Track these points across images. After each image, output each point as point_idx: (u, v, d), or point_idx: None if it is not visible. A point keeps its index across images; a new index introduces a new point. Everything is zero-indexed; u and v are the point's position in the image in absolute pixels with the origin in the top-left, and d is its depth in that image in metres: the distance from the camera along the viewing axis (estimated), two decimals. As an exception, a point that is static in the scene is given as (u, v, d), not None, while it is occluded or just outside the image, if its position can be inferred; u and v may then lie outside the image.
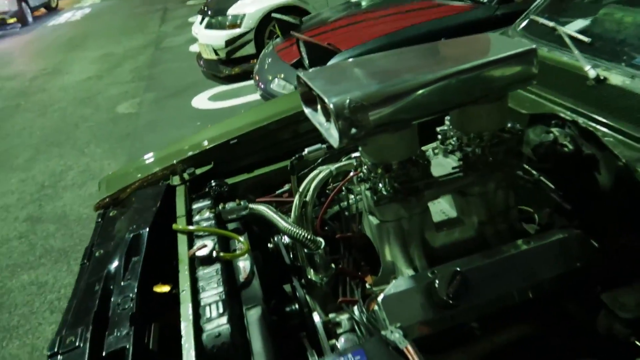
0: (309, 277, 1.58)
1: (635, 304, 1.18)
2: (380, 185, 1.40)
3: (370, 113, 1.18)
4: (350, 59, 1.84)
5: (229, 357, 1.16)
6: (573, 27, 1.99)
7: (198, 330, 1.21)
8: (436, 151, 1.62)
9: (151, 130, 5.53)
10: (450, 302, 1.20)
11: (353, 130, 1.18)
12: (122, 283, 1.48)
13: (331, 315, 1.45)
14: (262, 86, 4.49)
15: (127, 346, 1.24)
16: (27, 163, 5.21)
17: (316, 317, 1.42)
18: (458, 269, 1.25)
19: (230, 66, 6.55)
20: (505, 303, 1.29)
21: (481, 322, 1.31)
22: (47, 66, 9.49)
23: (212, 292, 1.32)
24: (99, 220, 1.98)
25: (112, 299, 1.42)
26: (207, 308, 1.27)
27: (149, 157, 2.31)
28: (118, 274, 1.53)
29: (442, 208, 1.63)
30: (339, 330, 1.42)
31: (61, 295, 3.13)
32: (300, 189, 1.68)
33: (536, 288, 1.30)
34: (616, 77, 1.61)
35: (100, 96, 7.16)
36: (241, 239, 1.54)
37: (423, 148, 1.62)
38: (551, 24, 2.04)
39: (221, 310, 1.25)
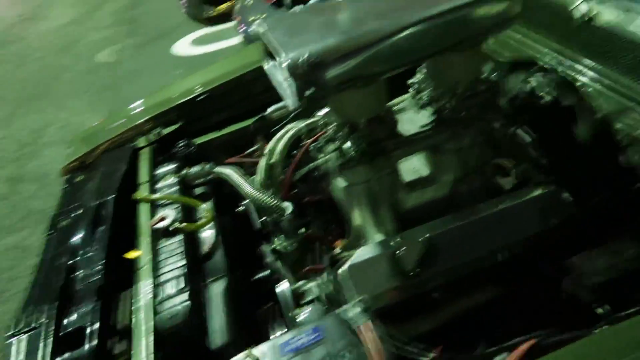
0: (277, 243, 1.52)
1: (602, 267, 1.13)
2: (347, 146, 1.31)
3: (329, 71, 1.07)
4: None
5: (185, 338, 1.12)
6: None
7: (155, 310, 1.17)
8: (408, 105, 1.52)
9: (132, 80, 5.33)
10: (416, 270, 1.16)
11: (310, 91, 1.07)
12: (88, 254, 1.44)
13: (299, 284, 1.41)
14: (244, 29, 4.24)
15: (87, 324, 1.20)
16: (7, 119, 5.06)
17: (284, 285, 1.38)
18: (427, 235, 1.20)
19: (214, 5, 6.18)
20: (475, 267, 1.24)
21: (448, 287, 1.26)
22: (25, 12, 9.04)
23: (172, 267, 1.27)
24: (66, 186, 1.91)
25: (78, 272, 1.38)
26: (167, 285, 1.23)
27: (119, 114, 2.20)
28: (84, 245, 1.48)
29: (414, 166, 1.55)
30: (309, 298, 1.38)
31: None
32: (267, 150, 1.60)
33: (509, 249, 1.25)
34: (609, 12, 1.47)
35: (79, 43, 6.86)
36: (205, 206, 1.47)
37: (393, 102, 1.52)
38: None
39: (181, 287, 1.21)
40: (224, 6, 6.17)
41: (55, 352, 1.14)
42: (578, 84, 1.29)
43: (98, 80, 5.52)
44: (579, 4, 1.44)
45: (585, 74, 1.31)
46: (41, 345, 1.15)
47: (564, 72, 1.33)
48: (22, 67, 6.44)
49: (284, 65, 1.05)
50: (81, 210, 1.62)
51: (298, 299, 1.38)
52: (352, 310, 1.00)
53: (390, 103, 1.54)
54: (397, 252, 1.18)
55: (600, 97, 1.22)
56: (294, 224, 1.48)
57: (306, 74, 1.05)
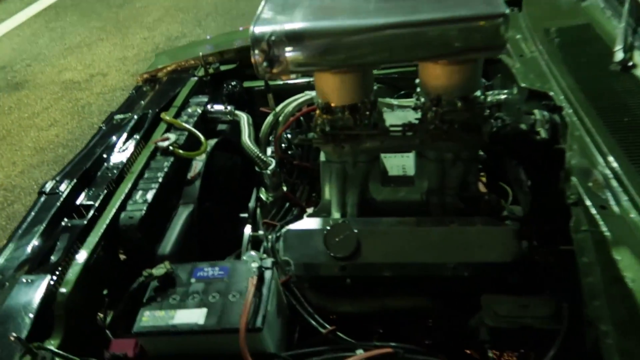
0: (259, 194, 1.67)
1: (505, 314, 1.11)
2: (320, 124, 1.38)
3: (287, 51, 1.15)
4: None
5: (131, 236, 1.34)
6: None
7: (122, 208, 1.40)
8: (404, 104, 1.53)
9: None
10: (339, 255, 1.24)
11: (269, 64, 1.16)
12: (115, 152, 1.71)
13: (258, 233, 1.55)
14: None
15: (94, 203, 1.47)
16: (154, 23, 5.70)
17: (247, 230, 1.53)
18: (363, 229, 1.27)
19: None
20: (400, 273, 1.28)
21: (376, 282, 1.32)
22: None
23: (151, 180, 1.48)
24: (133, 92, 2.21)
25: (104, 164, 1.66)
26: (139, 193, 1.44)
27: (200, 42, 2.45)
28: (116, 145, 1.75)
29: (405, 164, 1.57)
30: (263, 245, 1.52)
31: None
32: (278, 108, 1.71)
33: (441, 268, 1.26)
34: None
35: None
36: (203, 139, 1.63)
37: (398, 101, 1.54)
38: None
39: (146, 199, 1.41)
40: None
41: (58, 215, 1.41)
42: (575, 132, 1.20)
43: (237, 7, 5.91)
44: (617, 50, 1.31)
45: (585, 123, 1.21)
46: (53, 209, 1.41)
47: (568, 115, 1.24)
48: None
49: (251, 36, 1.14)
50: (129, 115, 1.90)
51: (257, 243, 1.52)
52: (253, 264, 1.12)
53: (389, 100, 1.57)
54: (328, 234, 1.26)
55: (576, 149, 1.13)
56: (275, 180, 1.60)
57: (267, 50, 1.13)
